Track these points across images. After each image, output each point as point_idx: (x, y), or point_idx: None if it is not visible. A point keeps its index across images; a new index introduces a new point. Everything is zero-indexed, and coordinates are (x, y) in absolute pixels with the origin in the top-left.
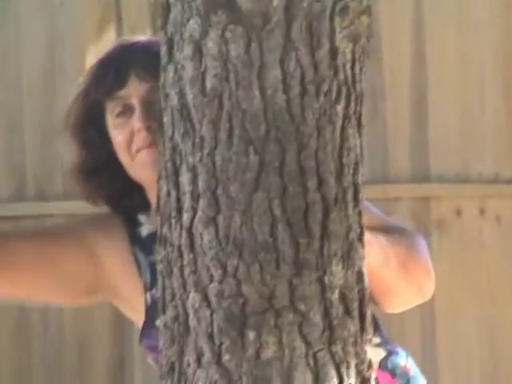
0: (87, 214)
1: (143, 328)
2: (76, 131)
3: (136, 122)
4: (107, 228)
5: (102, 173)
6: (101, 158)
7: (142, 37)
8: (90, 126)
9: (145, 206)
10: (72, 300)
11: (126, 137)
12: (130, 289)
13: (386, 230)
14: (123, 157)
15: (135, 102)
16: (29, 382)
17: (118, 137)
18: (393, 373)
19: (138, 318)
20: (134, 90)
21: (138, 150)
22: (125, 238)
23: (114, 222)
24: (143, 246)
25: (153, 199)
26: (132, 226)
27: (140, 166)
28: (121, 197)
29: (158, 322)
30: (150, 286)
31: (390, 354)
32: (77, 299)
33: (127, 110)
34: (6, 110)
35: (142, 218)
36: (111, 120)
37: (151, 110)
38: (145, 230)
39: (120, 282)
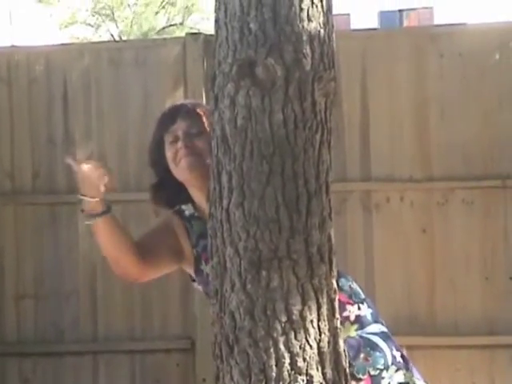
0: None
1: (194, 272)
2: (149, 158)
3: (179, 143)
4: (171, 220)
5: (164, 184)
6: (161, 173)
7: (188, 100)
8: (157, 154)
9: (185, 201)
10: (175, 266)
11: (173, 153)
12: (188, 249)
13: None
14: (172, 166)
15: (180, 133)
16: None
17: (168, 153)
18: (348, 295)
19: (191, 270)
20: (179, 126)
21: (180, 160)
22: (179, 221)
23: (172, 217)
24: (188, 221)
25: (192, 194)
26: (180, 212)
27: (181, 169)
28: (173, 197)
29: (202, 267)
30: (195, 244)
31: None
32: (176, 265)
33: (176, 140)
34: (117, 136)
35: (183, 207)
36: (167, 146)
37: (189, 137)
38: (187, 213)
39: (184, 246)
